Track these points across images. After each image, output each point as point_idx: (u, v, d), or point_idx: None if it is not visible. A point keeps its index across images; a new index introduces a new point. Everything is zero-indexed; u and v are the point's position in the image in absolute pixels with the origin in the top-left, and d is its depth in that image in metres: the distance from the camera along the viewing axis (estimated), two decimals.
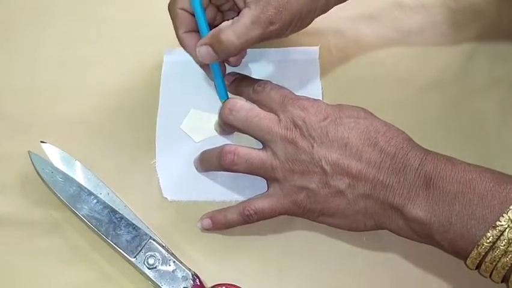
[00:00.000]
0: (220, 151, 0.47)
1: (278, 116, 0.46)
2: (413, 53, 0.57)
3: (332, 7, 0.49)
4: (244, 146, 0.47)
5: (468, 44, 0.57)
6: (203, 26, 0.48)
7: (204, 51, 0.47)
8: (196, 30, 0.49)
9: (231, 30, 0.45)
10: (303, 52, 0.56)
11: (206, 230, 0.48)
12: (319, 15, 0.48)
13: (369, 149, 0.42)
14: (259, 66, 0.55)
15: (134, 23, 0.58)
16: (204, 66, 0.50)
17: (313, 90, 0.54)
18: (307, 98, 0.47)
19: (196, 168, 0.50)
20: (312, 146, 0.44)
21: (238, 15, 0.46)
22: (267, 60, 0.55)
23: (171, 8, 0.49)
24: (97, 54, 0.57)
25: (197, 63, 0.50)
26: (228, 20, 0.47)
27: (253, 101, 0.50)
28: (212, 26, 0.48)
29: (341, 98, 0.52)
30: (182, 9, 0.48)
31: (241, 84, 0.51)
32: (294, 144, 0.44)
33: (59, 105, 0.54)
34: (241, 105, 0.47)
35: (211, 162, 0.48)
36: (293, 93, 0.48)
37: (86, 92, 0.55)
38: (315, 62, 0.55)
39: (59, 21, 0.59)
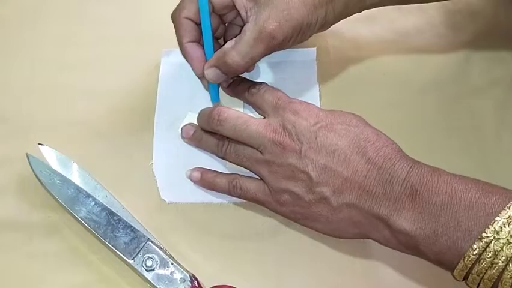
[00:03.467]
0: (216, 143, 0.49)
1: (269, 120, 0.46)
2: (411, 54, 0.57)
3: (331, 25, 0.48)
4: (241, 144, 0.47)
5: (465, 45, 0.57)
6: (208, 38, 0.48)
7: (212, 73, 0.48)
8: (200, 40, 0.49)
9: (235, 51, 0.46)
10: (301, 53, 0.56)
11: (192, 181, 0.49)
12: (319, 32, 0.48)
13: (357, 157, 0.42)
14: (257, 68, 0.55)
15: (132, 25, 0.58)
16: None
17: (311, 91, 0.54)
18: (301, 102, 0.47)
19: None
20: (300, 150, 0.43)
21: (241, 29, 0.47)
22: (265, 61, 0.55)
23: (175, 17, 0.49)
24: (94, 56, 0.57)
25: (196, 74, 0.50)
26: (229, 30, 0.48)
27: (249, 103, 0.50)
28: (213, 36, 0.49)
29: (338, 99, 0.53)
30: (187, 18, 0.48)
31: (238, 86, 0.51)
32: (282, 147, 0.44)
33: (57, 107, 0.54)
34: (228, 114, 0.47)
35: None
36: (287, 96, 0.48)
37: (83, 94, 0.55)
38: (313, 63, 0.55)
39: (57, 23, 0.59)
